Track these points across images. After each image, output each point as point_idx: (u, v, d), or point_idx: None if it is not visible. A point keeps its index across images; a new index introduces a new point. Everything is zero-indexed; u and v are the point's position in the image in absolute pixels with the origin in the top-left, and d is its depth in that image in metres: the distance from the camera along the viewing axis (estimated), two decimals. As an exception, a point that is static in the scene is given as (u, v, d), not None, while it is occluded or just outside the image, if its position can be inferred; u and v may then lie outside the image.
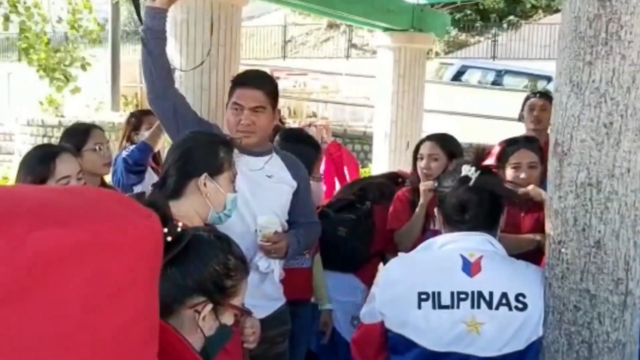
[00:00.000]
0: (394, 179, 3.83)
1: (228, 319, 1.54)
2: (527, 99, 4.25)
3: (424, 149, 3.32)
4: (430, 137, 3.41)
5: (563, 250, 1.95)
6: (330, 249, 3.36)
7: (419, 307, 2.00)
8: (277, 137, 3.37)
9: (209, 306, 1.48)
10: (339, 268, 3.43)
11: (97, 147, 3.13)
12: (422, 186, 3.12)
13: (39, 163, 2.54)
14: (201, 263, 1.49)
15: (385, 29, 6.32)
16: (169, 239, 1.31)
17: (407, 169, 4.54)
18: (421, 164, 3.30)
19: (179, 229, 1.34)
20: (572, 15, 1.90)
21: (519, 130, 4.28)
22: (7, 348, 0.49)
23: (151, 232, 0.59)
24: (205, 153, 2.23)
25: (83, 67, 8.39)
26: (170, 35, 3.88)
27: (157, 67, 2.76)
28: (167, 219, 1.37)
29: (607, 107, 1.86)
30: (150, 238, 0.59)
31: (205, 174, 2.18)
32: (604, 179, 1.87)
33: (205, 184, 2.17)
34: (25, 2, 7.65)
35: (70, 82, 8.33)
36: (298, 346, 3.18)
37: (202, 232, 1.59)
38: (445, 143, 3.36)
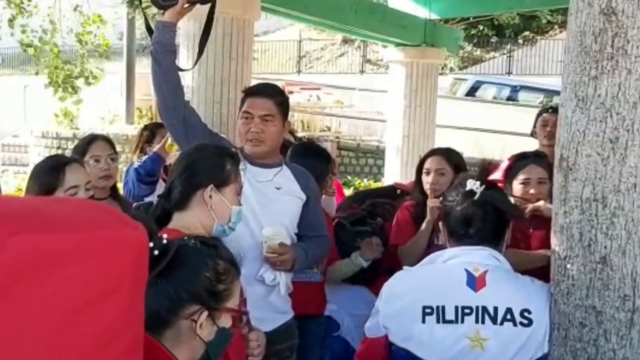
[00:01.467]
0: (392, 191, 3.83)
1: (226, 322, 1.53)
2: (539, 114, 4.23)
3: (431, 164, 3.30)
4: (436, 152, 3.40)
5: (569, 266, 1.93)
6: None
7: (423, 321, 1.99)
8: (289, 152, 3.37)
9: (205, 313, 1.47)
10: (354, 281, 3.41)
11: (94, 159, 3.15)
12: (431, 203, 3.10)
13: (48, 173, 2.58)
14: (191, 273, 1.49)
15: (398, 44, 6.34)
16: (156, 252, 1.31)
17: (405, 181, 4.55)
18: (428, 179, 3.27)
19: (164, 241, 1.34)
20: (578, 30, 1.90)
21: (534, 145, 4.25)
22: None
23: (137, 242, 0.60)
24: (211, 165, 2.23)
25: (87, 80, 8.48)
26: (183, 47, 3.93)
27: (166, 80, 2.79)
28: (151, 233, 1.38)
29: (612, 122, 1.85)
30: (135, 248, 0.60)
31: (211, 186, 2.18)
32: (609, 194, 1.86)
33: (210, 196, 2.17)
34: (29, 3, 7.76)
35: (74, 94, 8.45)
36: (308, 360, 3.16)
37: (187, 240, 1.58)
38: (452, 157, 3.34)
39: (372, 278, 3.42)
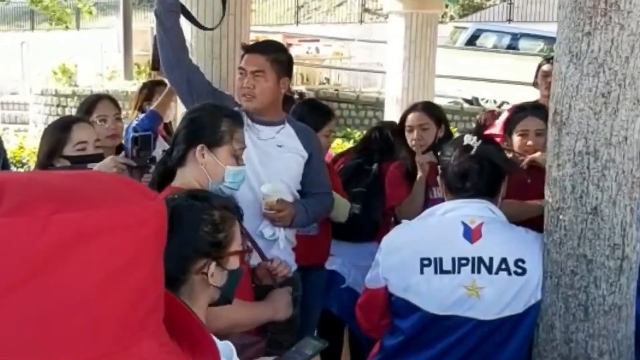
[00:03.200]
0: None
1: (234, 264, 1.61)
2: (540, 65, 4.22)
3: (413, 120, 3.29)
4: (415, 108, 3.39)
5: (561, 217, 2.00)
6: (348, 224, 3.34)
7: (422, 272, 2.07)
8: (292, 108, 3.39)
9: (213, 264, 1.55)
10: (358, 239, 3.45)
11: (101, 119, 3.21)
12: (420, 159, 3.11)
13: (57, 130, 2.68)
14: (190, 230, 1.55)
15: (396, -5, 6.30)
16: None
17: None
18: (412, 135, 3.26)
19: None
20: (572, -14, 1.92)
21: (533, 95, 4.26)
22: (35, 316, 0.58)
23: (156, 212, 0.66)
24: (204, 124, 2.28)
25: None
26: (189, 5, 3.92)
27: (170, 40, 2.83)
28: None
29: (605, 76, 1.89)
30: (155, 217, 0.66)
31: (202, 145, 2.22)
32: (601, 148, 1.92)
33: (203, 155, 2.22)
34: None
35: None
36: (309, 312, 3.24)
37: (178, 198, 1.63)
38: (433, 111, 3.35)
39: (377, 228, 3.44)
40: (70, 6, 10.93)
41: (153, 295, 0.66)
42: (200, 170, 2.23)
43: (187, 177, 2.23)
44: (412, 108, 3.41)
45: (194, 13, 3.86)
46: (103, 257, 0.60)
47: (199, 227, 1.57)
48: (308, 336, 2.06)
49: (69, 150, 2.60)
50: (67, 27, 10.95)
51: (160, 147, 3.64)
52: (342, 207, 3.24)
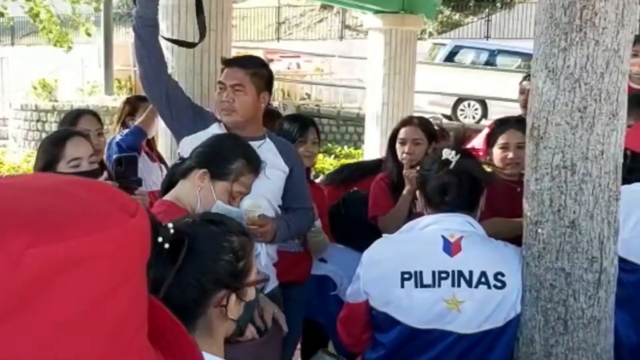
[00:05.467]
0: (378, 166, 3.80)
1: (251, 295, 1.51)
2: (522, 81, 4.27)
3: (406, 134, 3.30)
4: (409, 122, 3.39)
5: (539, 230, 2.02)
6: (357, 228, 3.31)
7: (402, 286, 2.07)
8: (277, 123, 3.39)
9: (233, 297, 1.44)
10: (351, 245, 3.41)
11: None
12: (409, 173, 3.09)
13: (51, 146, 2.64)
14: (210, 261, 1.43)
15: (376, 11, 6.35)
16: (167, 246, 1.29)
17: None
18: (404, 148, 3.27)
19: (171, 231, 1.32)
20: (548, 2, 1.95)
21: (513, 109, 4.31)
22: (14, 357, 0.54)
23: (139, 231, 0.62)
24: (220, 153, 2.29)
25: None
26: (162, 21, 3.93)
27: (149, 54, 2.82)
28: (155, 227, 1.32)
29: (581, 91, 1.92)
30: (138, 237, 0.62)
31: (205, 170, 2.23)
32: (578, 162, 1.94)
33: (203, 180, 2.23)
34: None
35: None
36: (290, 328, 3.22)
37: (192, 223, 1.51)
38: (426, 126, 3.36)
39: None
40: (67, 25, 10.96)
41: (136, 316, 0.63)
42: (195, 192, 2.25)
43: (182, 192, 2.26)
44: (407, 122, 3.40)
45: (175, 30, 3.87)
46: (83, 290, 0.57)
47: (219, 256, 1.45)
48: (322, 351, 2.05)
49: (63, 167, 2.57)
50: (58, 44, 10.98)
51: (144, 164, 3.64)
52: (320, 244, 3.24)
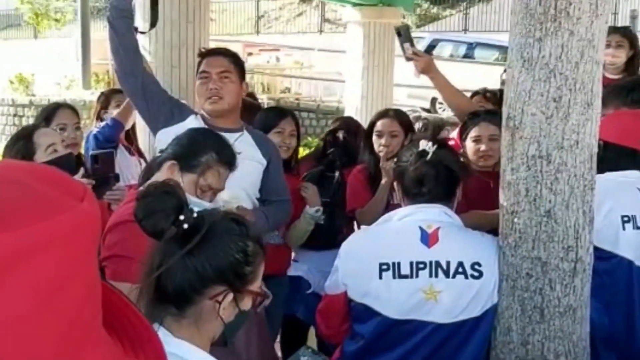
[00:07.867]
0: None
1: (247, 304, 1.50)
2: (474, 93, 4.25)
3: (383, 126, 3.30)
4: (386, 114, 3.39)
5: (516, 220, 2.03)
6: (312, 232, 3.33)
7: (380, 277, 2.07)
8: (257, 116, 3.38)
9: (230, 296, 1.43)
10: (323, 247, 3.42)
11: (60, 128, 3.19)
12: (386, 165, 3.08)
13: (21, 140, 2.66)
14: (221, 252, 1.43)
15: (355, 4, 6.35)
16: (185, 226, 1.33)
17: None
18: (381, 140, 3.27)
19: (194, 215, 1.33)
20: (523, -7, 1.96)
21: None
22: None
23: (87, 215, 0.60)
24: (191, 146, 2.26)
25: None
26: (137, 14, 3.89)
27: (123, 46, 2.80)
28: (181, 205, 1.38)
29: (556, 81, 1.93)
30: (87, 222, 0.60)
31: (175, 162, 2.20)
32: (553, 151, 1.95)
33: (172, 172, 2.20)
34: None
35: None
36: (270, 320, 3.22)
37: (216, 215, 1.50)
38: (403, 119, 3.37)
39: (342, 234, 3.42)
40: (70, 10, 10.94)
41: (92, 303, 0.62)
42: None
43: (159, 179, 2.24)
44: (384, 114, 3.41)
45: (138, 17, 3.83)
46: (35, 280, 0.55)
47: (230, 251, 1.44)
48: (305, 347, 2.04)
49: (41, 156, 2.58)
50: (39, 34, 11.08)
51: (122, 157, 3.62)
52: (305, 234, 3.28)
